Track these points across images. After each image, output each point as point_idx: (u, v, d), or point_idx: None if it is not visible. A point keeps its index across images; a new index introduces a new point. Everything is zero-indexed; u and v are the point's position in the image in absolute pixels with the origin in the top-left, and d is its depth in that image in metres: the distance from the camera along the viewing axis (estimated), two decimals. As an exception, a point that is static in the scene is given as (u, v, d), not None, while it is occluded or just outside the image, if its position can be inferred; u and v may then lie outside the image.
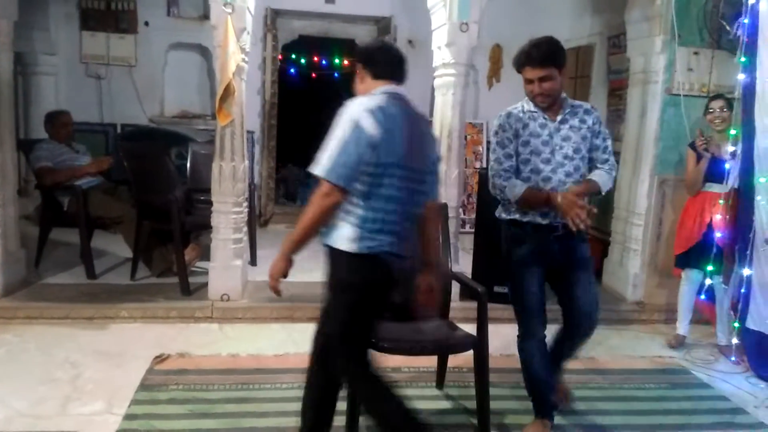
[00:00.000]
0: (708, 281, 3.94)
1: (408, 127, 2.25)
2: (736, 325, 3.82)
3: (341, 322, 2.29)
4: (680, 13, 4.35)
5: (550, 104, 2.71)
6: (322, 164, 2.15)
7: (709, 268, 3.85)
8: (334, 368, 2.36)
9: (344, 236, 2.21)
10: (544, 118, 2.73)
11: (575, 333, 2.86)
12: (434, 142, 2.56)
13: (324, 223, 2.22)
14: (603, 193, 2.77)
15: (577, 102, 2.83)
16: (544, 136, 2.71)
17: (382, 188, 2.20)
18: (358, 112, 2.16)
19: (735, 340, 3.86)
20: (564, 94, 2.76)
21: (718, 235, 3.80)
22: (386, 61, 2.38)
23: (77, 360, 3.40)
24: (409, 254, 2.34)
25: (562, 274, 2.80)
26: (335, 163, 2.13)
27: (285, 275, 2.31)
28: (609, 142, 2.81)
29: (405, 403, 2.30)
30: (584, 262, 2.82)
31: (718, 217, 3.83)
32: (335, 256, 2.25)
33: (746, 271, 3.71)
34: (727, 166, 3.79)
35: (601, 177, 2.73)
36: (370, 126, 2.14)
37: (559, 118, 2.73)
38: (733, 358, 3.86)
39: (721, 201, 3.82)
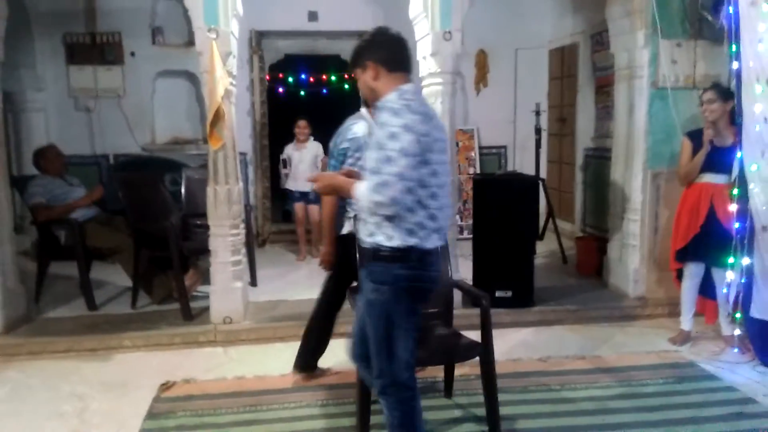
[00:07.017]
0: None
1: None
2: (738, 315, 3.80)
3: None
4: (660, 6, 4.37)
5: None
6: None
7: (730, 260, 3.73)
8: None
9: None
10: None
11: None
12: None
13: None
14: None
15: None
16: None
17: None
18: None
19: (737, 331, 3.85)
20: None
21: (736, 225, 3.71)
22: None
23: (83, 393, 3.39)
24: None
25: None
26: None
27: None
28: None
29: None
30: None
31: (732, 208, 3.73)
32: None
33: (746, 260, 3.69)
34: (739, 155, 3.68)
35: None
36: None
37: None
38: (736, 349, 3.84)
39: (734, 192, 3.71)
